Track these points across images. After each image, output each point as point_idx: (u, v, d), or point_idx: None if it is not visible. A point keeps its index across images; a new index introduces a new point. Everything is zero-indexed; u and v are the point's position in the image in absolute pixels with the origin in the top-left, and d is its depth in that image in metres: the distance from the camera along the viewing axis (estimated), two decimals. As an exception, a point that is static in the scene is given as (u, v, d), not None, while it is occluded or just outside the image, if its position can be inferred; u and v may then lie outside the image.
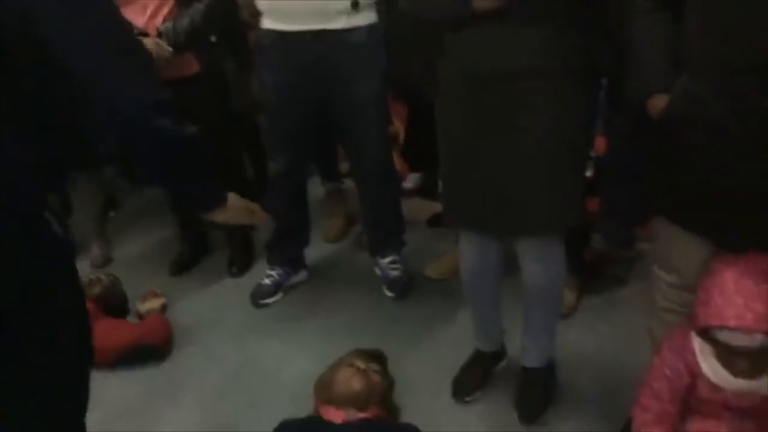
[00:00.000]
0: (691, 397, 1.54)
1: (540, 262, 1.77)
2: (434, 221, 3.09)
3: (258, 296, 2.59)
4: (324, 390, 1.88)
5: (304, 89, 2.29)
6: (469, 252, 1.86)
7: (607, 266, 2.59)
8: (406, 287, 2.58)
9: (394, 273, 2.60)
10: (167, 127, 1.13)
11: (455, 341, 2.28)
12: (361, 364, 1.88)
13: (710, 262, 1.46)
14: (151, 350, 2.23)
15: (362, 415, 1.74)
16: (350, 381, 1.81)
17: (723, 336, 1.40)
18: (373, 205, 2.58)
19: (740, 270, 1.40)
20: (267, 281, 2.62)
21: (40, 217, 1.10)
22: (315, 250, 2.82)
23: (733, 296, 1.37)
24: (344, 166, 3.27)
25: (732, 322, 1.36)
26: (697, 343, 1.51)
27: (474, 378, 2.04)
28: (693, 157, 1.41)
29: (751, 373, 1.41)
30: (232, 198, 1.37)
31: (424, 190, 3.37)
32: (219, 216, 1.44)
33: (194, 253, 2.93)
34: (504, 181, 1.65)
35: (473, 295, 1.95)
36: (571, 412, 1.94)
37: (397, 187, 2.66)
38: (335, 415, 1.72)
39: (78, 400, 1.25)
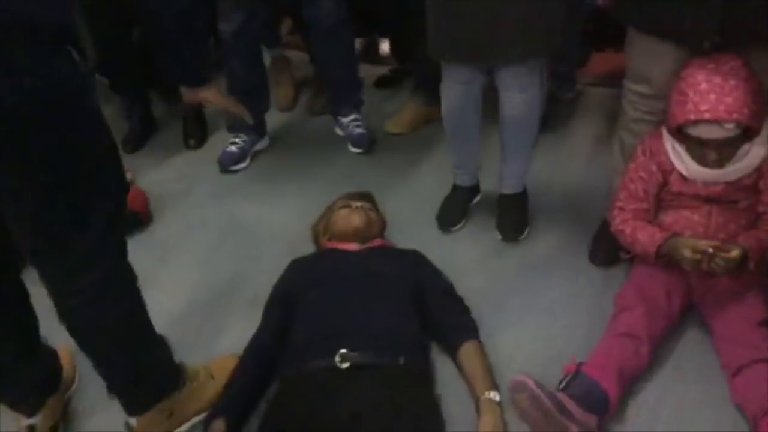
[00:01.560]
0: (665, 194, 1.76)
1: (521, 90, 1.89)
2: (381, 83, 3.16)
3: (226, 163, 2.61)
4: (325, 231, 1.98)
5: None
6: (452, 87, 1.96)
7: (554, 105, 2.76)
8: (371, 142, 2.66)
9: (358, 130, 2.67)
10: None
11: (428, 184, 2.43)
12: (355, 203, 1.98)
13: (681, 68, 1.63)
14: (136, 217, 2.23)
15: (370, 245, 1.87)
16: (350, 218, 1.91)
17: (696, 131, 1.59)
18: (331, 62, 2.60)
19: (710, 70, 1.57)
20: (233, 148, 2.63)
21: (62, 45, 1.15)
22: (270, 120, 2.82)
23: (706, 93, 1.55)
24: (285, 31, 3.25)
25: (707, 115, 1.54)
26: (669, 143, 1.71)
27: (455, 210, 2.20)
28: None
29: (719, 163, 1.63)
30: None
31: (366, 55, 3.41)
32: (203, 93, 1.57)
33: (143, 129, 2.88)
34: (488, 11, 1.74)
35: (455, 131, 2.07)
36: (547, 228, 2.16)
37: (352, 41, 2.67)
38: (349, 246, 1.84)
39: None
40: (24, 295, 1.46)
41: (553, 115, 2.67)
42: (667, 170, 1.73)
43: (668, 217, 1.76)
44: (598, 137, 2.60)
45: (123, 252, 1.35)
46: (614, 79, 2.75)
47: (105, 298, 1.31)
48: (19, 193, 1.17)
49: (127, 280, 1.36)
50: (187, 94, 1.72)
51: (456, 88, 1.95)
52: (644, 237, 1.71)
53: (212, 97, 1.77)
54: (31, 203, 1.19)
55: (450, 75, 1.94)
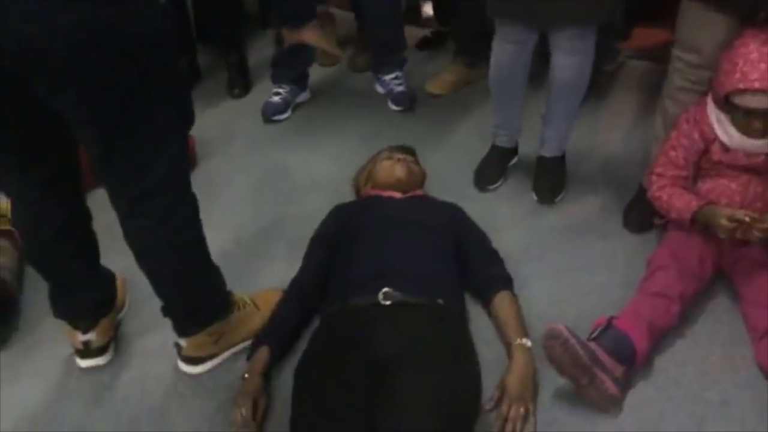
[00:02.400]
0: (704, 162, 1.79)
1: (573, 54, 1.92)
2: (423, 44, 3.19)
3: (269, 113, 2.67)
4: (368, 180, 2.03)
5: None
6: (504, 47, 1.99)
7: (596, 75, 2.77)
8: (412, 101, 2.71)
9: (399, 88, 2.71)
10: None
11: (466, 145, 2.48)
12: (398, 156, 2.03)
13: (733, 38, 1.65)
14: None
15: (412, 194, 1.93)
16: (393, 169, 1.97)
17: (743, 100, 1.62)
18: (377, 20, 2.64)
19: (763, 40, 1.59)
20: (276, 99, 2.69)
21: None
22: (312, 74, 2.87)
23: (757, 63, 1.57)
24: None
25: (756, 84, 1.57)
26: (713, 113, 1.74)
27: (493, 169, 2.25)
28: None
29: (763, 133, 1.66)
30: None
31: (409, 16, 3.43)
32: (307, 35, 1.59)
33: (189, 78, 2.93)
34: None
35: (501, 90, 2.10)
36: (583, 193, 2.20)
37: (398, -1, 2.71)
38: (392, 194, 1.89)
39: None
40: (88, 218, 1.54)
41: (595, 85, 2.69)
42: (709, 139, 1.76)
43: (706, 185, 1.80)
44: (638, 109, 2.63)
45: (188, 179, 1.42)
46: (656, 53, 2.78)
47: (171, 223, 1.37)
48: (93, 122, 1.22)
49: (192, 207, 1.43)
50: (290, 36, 1.75)
51: (508, 47, 1.98)
52: (681, 203, 1.75)
53: (313, 37, 1.80)
54: (107, 132, 1.23)
55: (503, 34, 1.97)
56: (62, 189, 1.42)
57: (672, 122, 1.87)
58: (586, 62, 1.96)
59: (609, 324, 1.58)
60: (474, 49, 2.77)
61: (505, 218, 2.11)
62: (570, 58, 1.93)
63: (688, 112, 1.80)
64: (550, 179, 2.17)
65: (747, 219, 1.61)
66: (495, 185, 2.24)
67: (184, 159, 1.40)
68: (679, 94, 1.87)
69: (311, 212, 2.09)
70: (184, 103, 1.36)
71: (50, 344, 1.73)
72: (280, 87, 2.70)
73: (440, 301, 1.56)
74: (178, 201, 1.38)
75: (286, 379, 1.57)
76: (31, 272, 1.82)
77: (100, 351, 1.63)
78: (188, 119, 1.38)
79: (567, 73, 1.96)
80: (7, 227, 1.81)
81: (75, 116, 1.22)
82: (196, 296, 1.51)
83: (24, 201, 1.41)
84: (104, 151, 1.25)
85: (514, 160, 2.33)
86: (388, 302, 1.53)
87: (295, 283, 1.75)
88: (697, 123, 1.77)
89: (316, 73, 2.96)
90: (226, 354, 1.65)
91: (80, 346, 1.61)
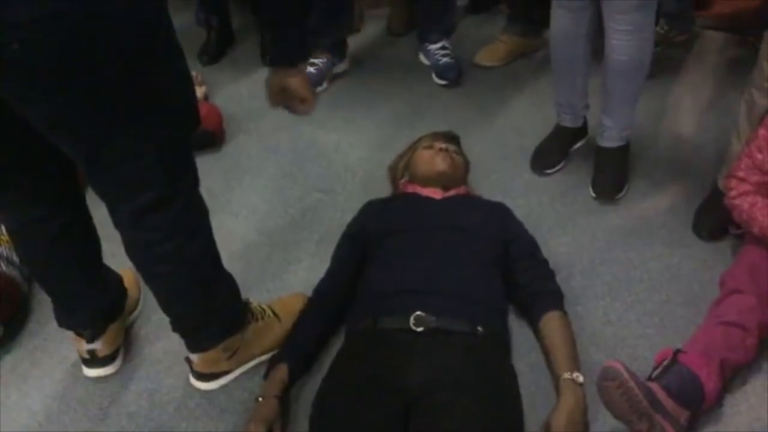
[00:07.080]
0: (795, 167, 1.54)
1: (630, 32, 1.67)
2: (476, 6, 2.92)
3: (303, 85, 2.47)
4: (405, 171, 1.84)
5: None
6: (561, 14, 1.77)
7: (666, 48, 2.49)
8: (459, 74, 2.48)
9: (445, 59, 2.48)
10: None
11: (518, 126, 2.25)
12: (440, 145, 1.82)
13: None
14: (208, 136, 2.14)
15: (454, 192, 1.73)
16: (433, 161, 1.76)
17: None
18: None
19: None
20: (311, 69, 2.48)
21: None
22: (351, 41, 2.65)
23: None
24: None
25: None
26: (811, 112, 1.48)
27: (553, 152, 2.03)
28: None
29: None
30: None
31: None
32: (291, 79, 1.38)
33: (221, 42, 2.76)
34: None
35: (560, 63, 1.88)
36: (648, 189, 1.96)
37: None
38: (431, 192, 1.70)
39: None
40: (85, 222, 1.39)
41: (663, 59, 2.41)
42: (803, 142, 1.51)
43: (796, 195, 1.55)
44: (715, 88, 2.34)
45: (193, 188, 1.25)
46: (739, 23, 2.48)
47: (175, 238, 1.22)
48: (68, 136, 1.06)
49: (199, 215, 1.27)
50: (275, 79, 1.43)
51: (565, 15, 1.76)
52: (765, 217, 1.51)
53: (298, 84, 1.41)
54: (90, 147, 1.07)
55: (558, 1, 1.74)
56: (52, 197, 1.27)
57: (759, 117, 1.61)
58: (646, 40, 1.71)
59: (674, 359, 1.37)
60: (530, 16, 2.51)
61: (557, 218, 1.89)
62: (626, 35, 1.68)
63: (780, 108, 1.55)
64: (610, 174, 1.93)
65: None
66: (553, 169, 2.01)
67: (188, 165, 1.22)
68: (770, 84, 1.61)
69: (343, 200, 1.96)
70: (185, 102, 1.17)
71: (58, 347, 1.61)
72: (316, 57, 2.49)
73: (480, 328, 1.37)
74: (183, 211, 1.21)
75: (305, 402, 1.42)
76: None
77: (107, 360, 1.51)
78: (190, 121, 1.19)
79: (623, 53, 1.71)
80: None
81: (46, 129, 1.05)
82: (205, 313, 1.35)
83: (13, 213, 1.27)
84: (90, 165, 1.09)
85: (581, 143, 2.08)
86: (420, 329, 1.35)
87: (320, 290, 1.58)
88: (790, 121, 1.52)
89: (355, 39, 2.74)
90: (242, 369, 1.50)
91: (86, 355, 1.49)
